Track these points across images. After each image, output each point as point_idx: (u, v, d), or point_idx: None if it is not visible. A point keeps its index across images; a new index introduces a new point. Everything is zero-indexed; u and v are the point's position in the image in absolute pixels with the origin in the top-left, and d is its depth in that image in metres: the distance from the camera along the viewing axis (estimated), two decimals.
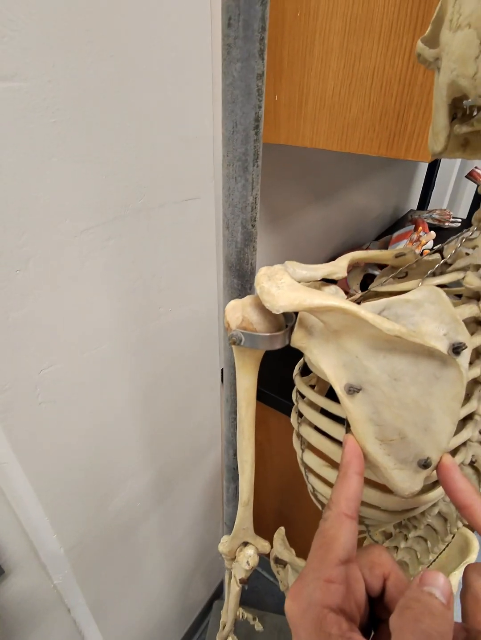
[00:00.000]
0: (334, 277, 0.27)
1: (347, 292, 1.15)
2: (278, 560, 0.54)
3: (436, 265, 0.27)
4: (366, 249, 1.23)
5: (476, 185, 1.82)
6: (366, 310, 0.21)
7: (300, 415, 0.33)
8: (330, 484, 0.31)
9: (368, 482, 0.28)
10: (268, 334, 0.24)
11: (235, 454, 0.44)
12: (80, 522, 0.59)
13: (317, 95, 0.56)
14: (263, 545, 0.49)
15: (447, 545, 0.37)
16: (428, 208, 2.05)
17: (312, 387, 0.36)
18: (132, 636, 0.85)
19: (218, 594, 1.18)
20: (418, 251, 0.87)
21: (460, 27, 0.17)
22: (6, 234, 0.37)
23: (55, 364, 0.46)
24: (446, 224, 1.68)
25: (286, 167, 0.82)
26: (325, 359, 0.23)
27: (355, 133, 0.56)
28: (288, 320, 0.26)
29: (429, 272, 0.25)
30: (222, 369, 0.82)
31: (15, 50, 0.32)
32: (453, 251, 0.28)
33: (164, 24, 0.43)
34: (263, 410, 0.90)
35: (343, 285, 1.14)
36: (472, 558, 0.40)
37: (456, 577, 0.40)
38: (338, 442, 0.28)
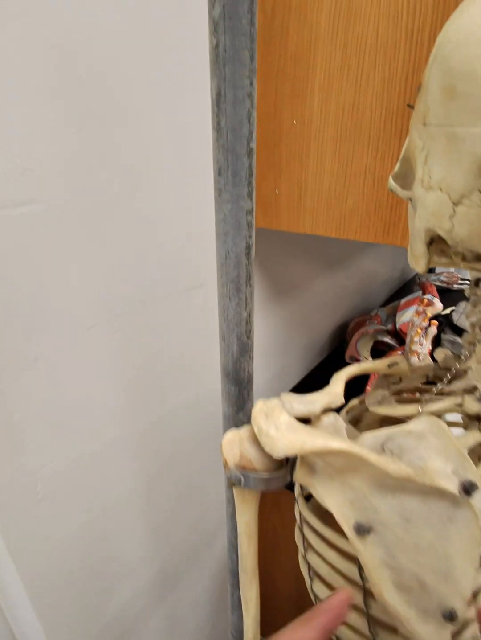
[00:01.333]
0: (333, 406, 0.26)
1: (357, 360, 1.14)
2: None
3: (435, 389, 0.26)
4: (375, 316, 1.24)
5: None
6: (371, 452, 0.21)
7: (306, 537, 0.31)
8: (346, 624, 0.28)
9: (393, 629, 0.26)
10: (268, 476, 0.24)
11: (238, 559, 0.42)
12: (74, 628, 0.55)
13: (314, 190, 0.60)
14: None
15: None
16: (436, 270, 2.08)
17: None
18: None
19: None
20: (424, 323, 0.87)
21: (431, 188, 0.19)
22: (16, 336, 0.38)
23: (57, 459, 0.45)
24: (455, 285, 1.70)
25: (294, 242, 0.86)
26: (330, 497, 0.22)
27: (352, 222, 0.59)
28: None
29: (426, 399, 0.25)
30: None
31: (34, 181, 0.35)
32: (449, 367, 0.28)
33: (168, 139, 0.48)
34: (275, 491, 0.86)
35: (353, 351, 1.14)
36: None
37: None
38: (352, 582, 0.26)
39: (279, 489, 0.25)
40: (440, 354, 0.32)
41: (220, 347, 0.31)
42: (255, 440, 0.25)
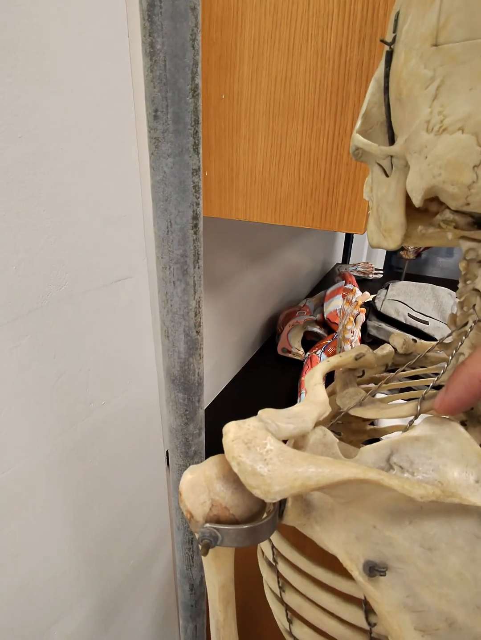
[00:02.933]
0: (323, 418, 0.22)
1: (289, 351, 1.13)
2: None
3: (426, 387, 0.23)
4: (304, 307, 1.25)
5: None
6: (390, 475, 0.16)
7: (277, 572, 0.26)
8: None
9: None
10: (253, 525, 0.17)
11: (191, 589, 0.36)
12: None
13: (246, 171, 0.56)
14: None
15: None
16: (351, 261, 2.20)
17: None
18: None
19: None
20: (355, 311, 0.89)
21: (446, 131, 0.15)
22: None
23: None
24: (371, 275, 1.80)
25: (222, 234, 0.81)
26: (332, 536, 0.18)
27: (288, 207, 0.56)
28: None
29: (422, 396, 0.22)
30: (167, 452, 0.73)
31: None
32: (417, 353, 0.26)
33: (82, 103, 0.40)
34: None
35: (285, 343, 1.13)
36: None
37: None
38: (354, 627, 0.21)
39: (266, 539, 0.19)
40: (397, 339, 0.29)
41: (162, 345, 0.25)
42: (229, 478, 0.19)
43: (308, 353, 1.00)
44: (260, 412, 0.19)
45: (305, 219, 0.55)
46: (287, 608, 0.26)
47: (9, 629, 0.46)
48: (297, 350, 1.09)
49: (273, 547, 0.26)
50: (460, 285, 0.22)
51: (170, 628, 0.85)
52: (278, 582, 0.26)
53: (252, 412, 0.19)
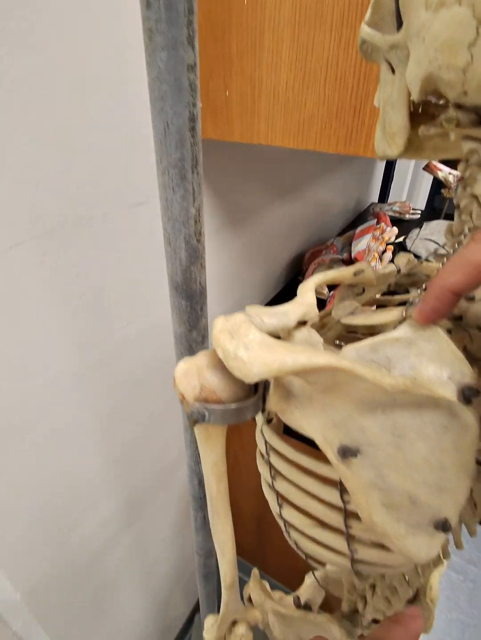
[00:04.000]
0: (307, 318, 0.23)
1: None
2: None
3: (414, 295, 0.23)
4: (331, 245, 1.22)
5: (432, 177, 1.86)
6: (364, 366, 0.17)
7: (273, 465, 0.29)
8: (322, 545, 0.27)
9: (372, 543, 0.25)
10: (238, 405, 0.20)
11: (199, 483, 0.41)
12: (36, 564, 0.54)
13: (269, 89, 0.53)
14: (254, 617, 0.45)
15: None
16: (389, 200, 2.07)
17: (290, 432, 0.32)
18: None
19: (198, 607, 1.15)
20: (381, 247, 0.86)
21: (444, 5, 0.14)
22: None
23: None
24: (407, 216, 1.71)
25: (246, 165, 0.79)
26: (310, 421, 0.19)
27: (312, 129, 0.53)
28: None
29: (409, 301, 0.22)
30: None
31: None
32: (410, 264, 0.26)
33: (99, 15, 0.38)
34: None
35: None
36: (444, 565, 0.39)
37: (436, 577, 0.39)
38: (331, 505, 0.24)
39: (249, 418, 0.21)
40: (402, 258, 0.29)
41: (165, 253, 0.26)
42: (217, 367, 0.21)
43: (331, 292, 1.00)
44: (247, 307, 0.20)
45: (329, 142, 0.52)
46: (278, 494, 0.30)
47: (51, 508, 0.54)
48: (321, 289, 1.09)
49: (266, 443, 0.28)
50: (458, 192, 0.21)
51: (190, 529, 0.96)
52: (271, 473, 0.29)
53: None
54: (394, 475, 0.20)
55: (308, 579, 0.52)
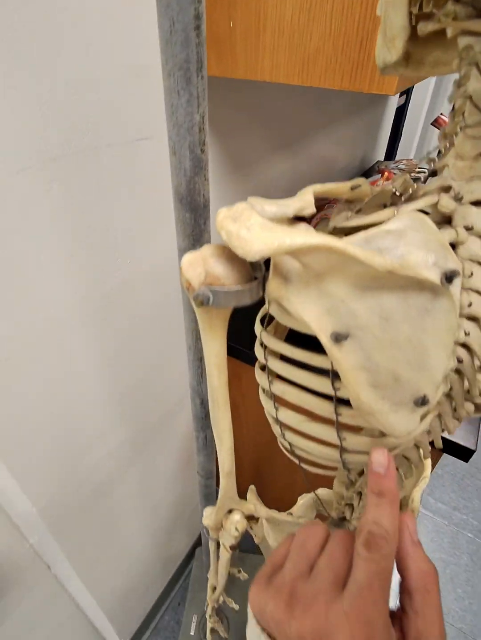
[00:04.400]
0: (305, 213, 0.24)
1: None
2: (252, 517, 0.54)
3: (409, 191, 0.25)
4: (334, 201, 1.21)
5: None
6: (355, 247, 0.19)
7: (267, 370, 0.31)
8: (314, 439, 0.30)
9: (358, 430, 0.28)
10: (240, 288, 0.21)
11: (202, 403, 0.44)
12: (51, 481, 0.58)
13: (274, 21, 0.52)
14: (249, 508, 0.49)
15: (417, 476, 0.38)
16: (396, 158, 2.03)
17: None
18: (117, 587, 0.88)
19: (200, 541, 1.23)
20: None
21: None
22: None
23: (2, 322, 0.43)
24: (412, 174, 1.67)
25: (250, 112, 0.77)
26: (306, 307, 0.21)
27: (317, 65, 0.52)
28: (255, 271, 0.24)
29: (403, 200, 0.24)
30: None
31: None
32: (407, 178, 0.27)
33: None
34: (234, 365, 0.90)
35: None
36: (427, 474, 0.43)
37: (417, 493, 0.42)
38: (323, 395, 0.27)
39: (252, 303, 0.23)
40: (398, 179, 0.30)
41: (170, 164, 0.27)
42: (221, 256, 0.23)
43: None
44: (249, 198, 0.22)
45: (334, 78, 0.52)
46: (274, 398, 0.32)
47: (62, 435, 0.57)
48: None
49: (265, 349, 0.31)
50: (453, 91, 0.22)
51: (193, 465, 1.02)
52: (269, 378, 0.32)
53: None
54: (380, 356, 0.22)
55: (301, 500, 0.57)
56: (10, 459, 0.50)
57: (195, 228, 0.30)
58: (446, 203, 0.23)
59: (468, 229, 0.23)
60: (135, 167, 0.51)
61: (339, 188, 0.29)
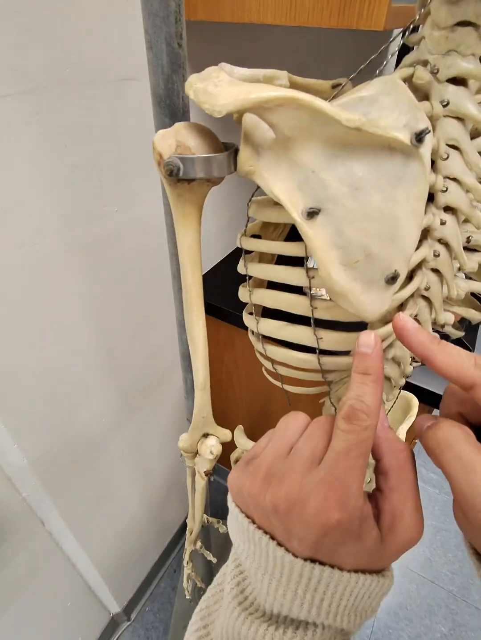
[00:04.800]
0: (277, 82, 0.24)
1: None
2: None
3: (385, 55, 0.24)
4: None
5: None
6: (322, 101, 0.19)
7: (247, 279, 0.31)
8: (292, 346, 0.30)
9: (330, 325, 0.28)
10: (210, 155, 0.21)
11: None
12: (42, 433, 0.58)
13: None
14: (225, 434, 0.49)
15: (396, 399, 0.38)
16: None
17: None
18: (112, 550, 0.89)
19: None
20: None
21: None
22: None
23: None
24: None
25: (235, 55, 0.76)
26: (278, 182, 0.21)
27: (304, 3, 0.51)
28: (227, 148, 0.24)
29: (378, 71, 0.23)
30: None
31: None
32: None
33: None
34: (227, 329, 0.90)
35: None
36: (414, 413, 0.43)
37: (403, 429, 0.42)
38: (298, 290, 0.26)
39: (222, 177, 0.23)
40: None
41: (148, 62, 0.27)
42: (193, 128, 0.23)
43: None
44: (220, 63, 0.22)
45: (322, 16, 0.51)
46: (254, 310, 0.32)
47: (53, 389, 0.57)
48: None
49: (243, 253, 0.30)
50: None
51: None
52: (249, 291, 0.32)
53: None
54: (351, 229, 0.22)
55: None
56: (5, 416, 0.50)
57: None
58: (422, 74, 0.23)
59: (444, 104, 0.23)
60: (119, 109, 0.50)
61: (320, 84, 0.28)
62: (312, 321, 0.27)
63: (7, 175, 0.41)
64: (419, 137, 0.20)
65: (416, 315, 0.29)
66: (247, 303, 0.34)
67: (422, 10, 0.22)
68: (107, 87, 0.47)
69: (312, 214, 0.21)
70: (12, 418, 0.53)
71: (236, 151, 0.22)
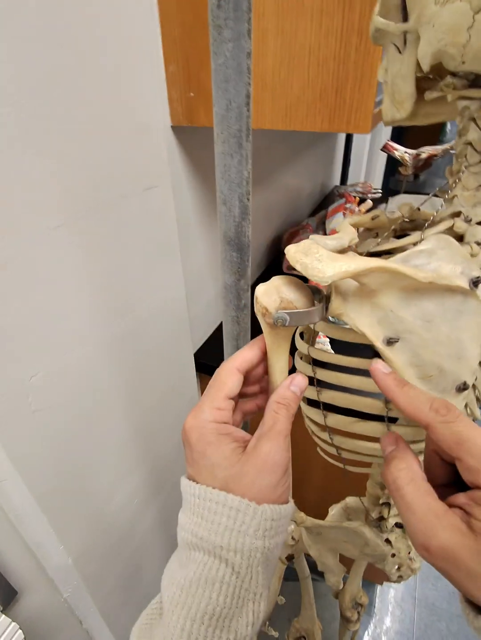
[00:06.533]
0: (354, 243, 0.29)
1: (294, 269, 1.20)
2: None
3: (431, 218, 0.30)
4: (306, 225, 1.29)
5: (387, 156, 1.97)
6: (404, 265, 0.24)
7: (316, 382, 0.35)
8: (364, 437, 0.33)
9: (402, 423, 0.32)
10: (311, 309, 0.25)
11: None
12: (83, 529, 0.58)
13: (257, 77, 0.58)
14: (300, 517, 0.51)
15: None
16: (349, 182, 2.18)
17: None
18: None
19: None
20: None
21: (449, 1, 0.20)
22: None
23: (43, 370, 0.44)
24: (369, 195, 1.81)
25: None
26: (362, 319, 0.26)
27: (298, 111, 0.59)
28: (315, 295, 0.28)
29: (426, 225, 0.29)
30: (195, 355, 0.82)
31: None
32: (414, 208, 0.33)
33: (111, 16, 0.42)
34: None
35: None
36: None
37: None
38: (373, 395, 0.30)
39: (317, 321, 0.27)
40: (405, 207, 0.36)
41: (219, 212, 0.31)
42: (290, 284, 0.26)
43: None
44: (311, 236, 0.26)
45: (314, 121, 0.58)
46: (322, 406, 0.36)
47: (90, 483, 0.57)
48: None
49: (312, 362, 0.34)
50: (455, 140, 0.28)
51: None
52: (316, 389, 0.35)
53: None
54: (426, 352, 0.26)
55: (332, 510, 0.59)
56: (48, 508, 0.50)
57: (241, 265, 0.34)
58: (460, 225, 0.29)
59: (479, 243, 0.29)
60: (144, 214, 0.55)
61: (363, 219, 0.34)
62: (386, 419, 0.31)
63: (57, 294, 0.44)
64: (475, 283, 0.25)
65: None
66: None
67: (455, 180, 0.28)
68: (135, 198, 0.52)
69: (391, 342, 0.26)
70: (59, 519, 0.52)
71: (327, 298, 0.27)
